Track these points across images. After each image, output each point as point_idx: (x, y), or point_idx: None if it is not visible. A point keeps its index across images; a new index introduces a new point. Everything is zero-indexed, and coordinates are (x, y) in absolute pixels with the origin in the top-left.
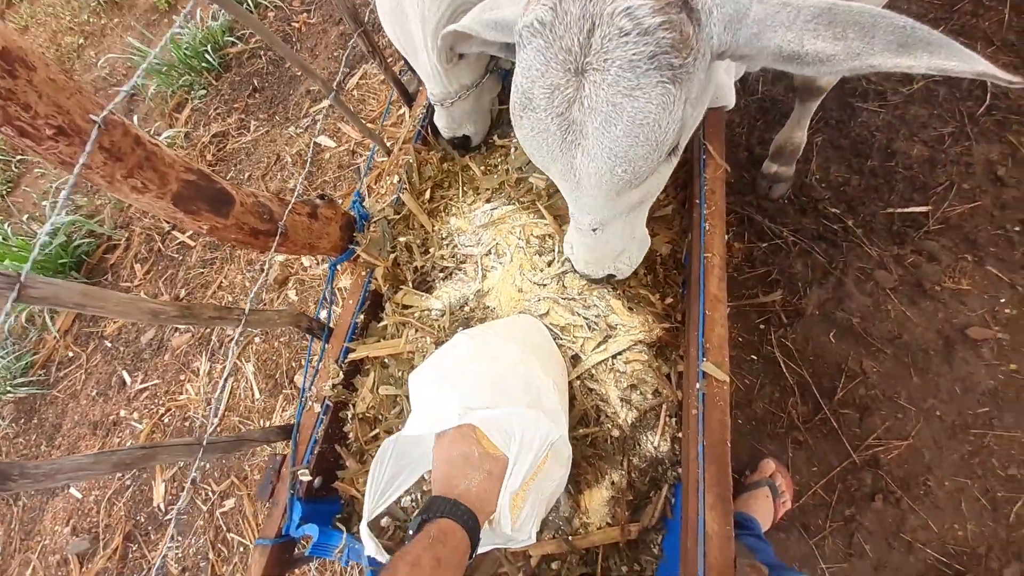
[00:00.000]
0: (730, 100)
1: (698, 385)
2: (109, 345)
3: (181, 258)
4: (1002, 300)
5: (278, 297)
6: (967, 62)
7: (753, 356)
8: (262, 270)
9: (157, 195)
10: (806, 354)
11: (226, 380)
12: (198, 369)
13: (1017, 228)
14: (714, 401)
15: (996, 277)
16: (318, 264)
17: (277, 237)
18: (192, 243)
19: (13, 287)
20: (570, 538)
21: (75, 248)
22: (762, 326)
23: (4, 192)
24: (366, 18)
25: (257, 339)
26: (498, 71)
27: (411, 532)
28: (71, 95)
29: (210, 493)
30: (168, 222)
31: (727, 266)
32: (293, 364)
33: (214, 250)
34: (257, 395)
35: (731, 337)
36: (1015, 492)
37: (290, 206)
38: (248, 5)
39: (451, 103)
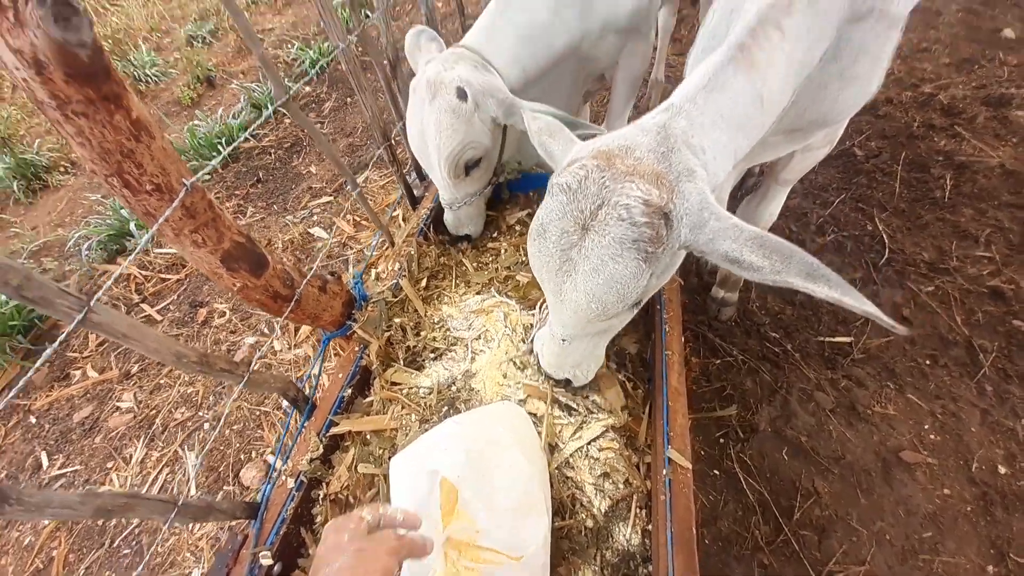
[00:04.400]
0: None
1: (664, 471)
2: (34, 421)
3: None
4: (925, 426)
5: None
6: (858, 302)
7: (715, 471)
8: (228, 351)
9: (211, 251)
10: (763, 470)
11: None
12: (130, 456)
13: (927, 362)
14: (679, 488)
15: (917, 404)
16: (290, 349)
17: (292, 303)
18: (159, 318)
19: (82, 310)
20: None
21: (29, 312)
22: (721, 440)
23: None
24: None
25: (206, 425)
26: (495, 183)
27: None
28: (174, 162)
29: None
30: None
31: (687, 379)
32: (242, 456)
33: (180, 327)
34: (193, 490)
35: (694, 450)
36: None
37: (307, 278)
38: (268, 110)
39: (458, 207)
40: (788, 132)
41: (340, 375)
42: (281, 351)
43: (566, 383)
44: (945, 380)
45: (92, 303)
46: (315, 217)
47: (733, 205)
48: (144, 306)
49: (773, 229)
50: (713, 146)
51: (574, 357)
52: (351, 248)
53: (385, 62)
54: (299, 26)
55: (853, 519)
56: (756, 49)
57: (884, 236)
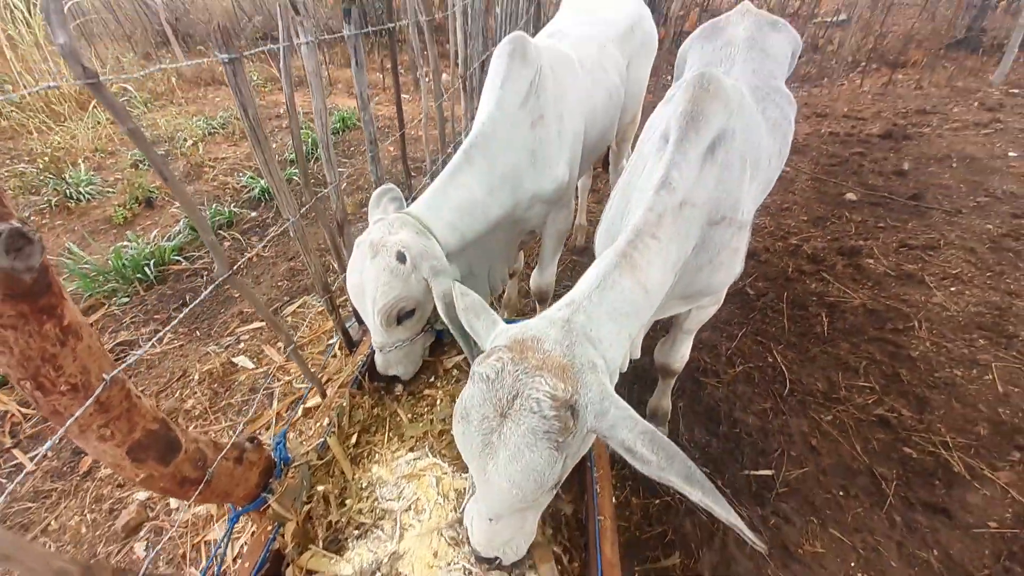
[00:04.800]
0: (636, 355)
1: None
2: None
3: (8, 484)
4: (852, 563)
5: (119, 551)
6: (725, 511)
7: None
8: (111, 511)
9: (118, 444)
10: None
11: None
12: None
13: (841, 492)
14: None
15: (839, 540)
16: (188, 507)
17: (201, 486)
18: (32, 467)
19: None
20: None
21: None
22: None
23: None
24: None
25: None
26: (431, 330)
27: None
28: (97, 359)
29: None
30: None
31: (629, 524)
32: None
33: (57, 479)
34: None
35: None
36: None
37: (223, 452)
38: (208, 290)
39: (388, 350)
40: (681, 298)
41: (247, 564)
42: (176, 510)
43: (496, 562)
44: (859, 512)
45: None
46: (242, 345)
47: (651, 344)
48: (16, 452)
49: (690, 361)
50: (609, 336)
51: (503, 535)
52: (279, 380)
53: (334, 227)
54: (252, 157)
55: None
56: (637, 255)
57: (783, 368)
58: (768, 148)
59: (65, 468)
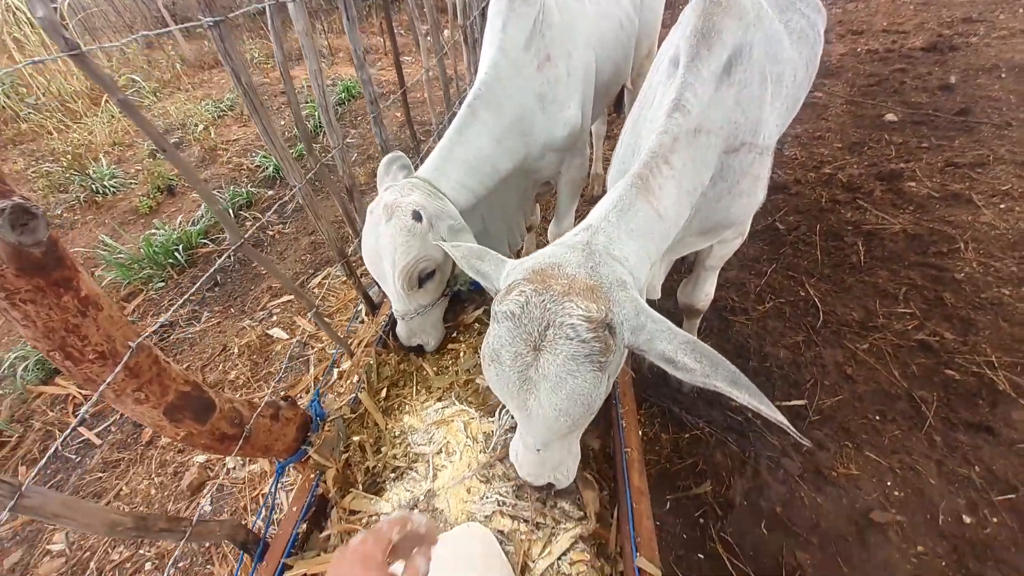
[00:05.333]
0: (656, 295)
1: None
2: None
3: (79, 459)
4: (888, 483)
5: (188, 507)
6: (771, 410)
7: (700, 555)
8: (175, 473)
9: (153, 405)
10: (745, 548)
11: None
12: None
13: (877, 417)
14: None
15: (876, 461)
16: (243, 466)
17: (240, 441)
18: (98, 441)
19: (13, 496)
20: None
21: None
22: (701, 520)
23: None
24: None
25: (148, 565)
26: (449, 295)
27: None
28: (120, 328)
29: None
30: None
31: (660, 457)
32: None
33: (122, 450)
34: None
35: (675, 535)
36: None
37: (259, 410)
38: (220, 260)
39: (411, 318)
40: (700, 233)
41: (295, 508)
42: (234, 468)
43: (549, 487)
44: (897, 434)
45: (24, 487)
46: (275, 318)
47: (674, 285)
48: (82, 429)
49: (716, 300)
50: (632, 254)
51: (552, 461)
52: (311, 347)
53: (343, 194)
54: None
55: None
56: (651, 178)
57: (816, 300)
58: (793, 61)
59: (129, 440)
